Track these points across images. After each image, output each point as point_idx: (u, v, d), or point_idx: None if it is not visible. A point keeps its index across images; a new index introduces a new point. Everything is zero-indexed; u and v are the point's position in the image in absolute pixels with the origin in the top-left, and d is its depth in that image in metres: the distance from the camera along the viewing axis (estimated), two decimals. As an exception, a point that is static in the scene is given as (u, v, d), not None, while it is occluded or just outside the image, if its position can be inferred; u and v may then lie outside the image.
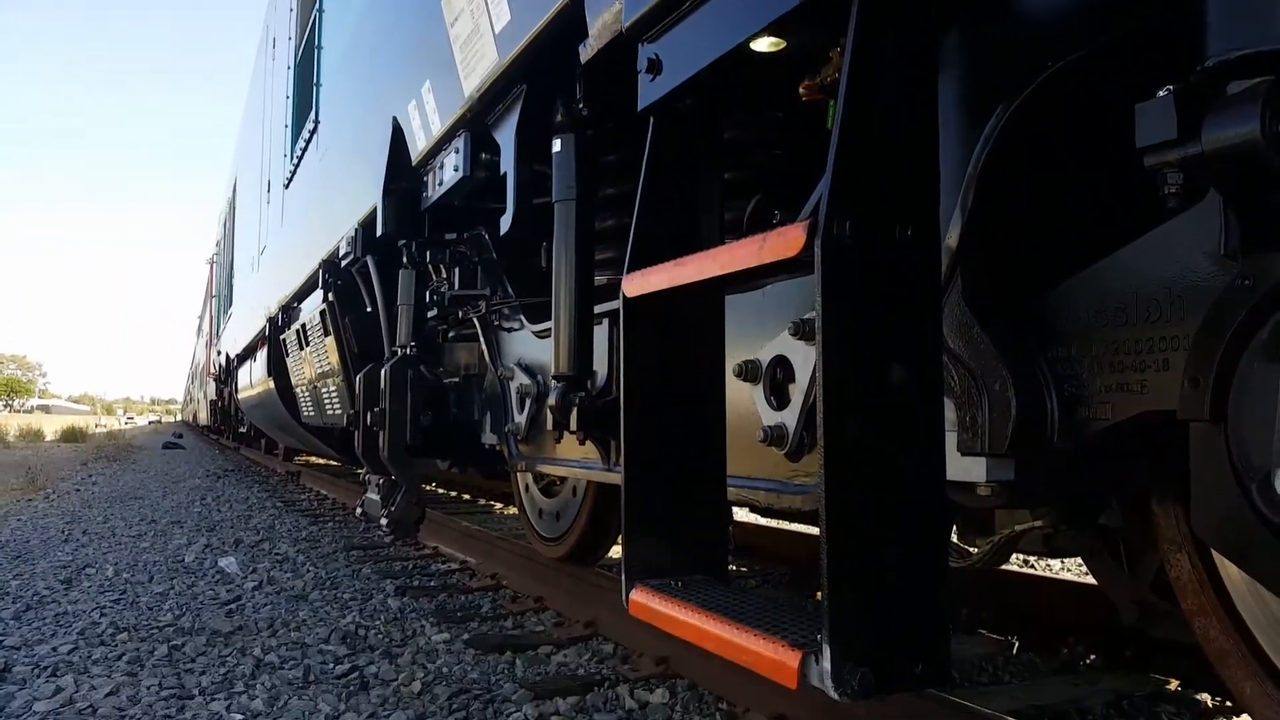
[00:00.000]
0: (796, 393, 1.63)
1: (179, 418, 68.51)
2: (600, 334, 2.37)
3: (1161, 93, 1.01)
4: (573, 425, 2.18)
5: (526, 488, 4.21)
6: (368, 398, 3.52)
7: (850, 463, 0.99)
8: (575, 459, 2.57)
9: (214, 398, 17.03)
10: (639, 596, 1.28)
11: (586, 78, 2.09)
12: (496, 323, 3.19)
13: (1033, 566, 4.43)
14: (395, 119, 3.06)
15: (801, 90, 1.55)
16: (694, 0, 1.34)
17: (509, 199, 2.33)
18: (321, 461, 12.64)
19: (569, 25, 1.90)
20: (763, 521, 5.52)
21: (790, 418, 1.63)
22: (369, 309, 4.28)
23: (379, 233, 3.20)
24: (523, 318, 2.96)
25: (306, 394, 5.88)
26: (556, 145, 2.18)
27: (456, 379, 3.53)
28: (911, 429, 1.05)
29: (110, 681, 2.73)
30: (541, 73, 2.18)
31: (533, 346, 2.93)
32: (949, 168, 1.30)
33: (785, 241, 1.02)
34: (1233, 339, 1.02)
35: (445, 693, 2.62)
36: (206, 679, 2.78)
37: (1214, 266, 1.11)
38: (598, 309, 2.34)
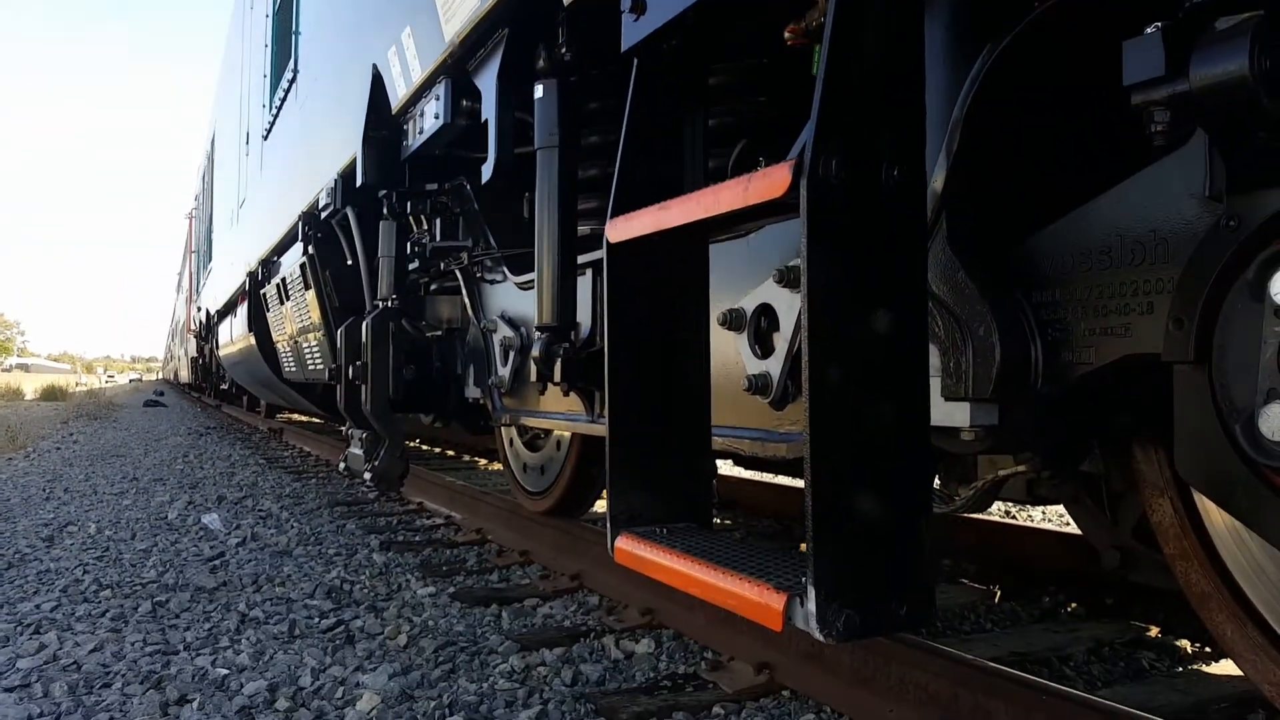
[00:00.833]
0: (780, 341, 1.62)
1: (160, 376, 68.03)
2: (584, 284, 2.35)
3: (1149, 29, 1.00)
4: (557, 376, 2.17)
5: (511, 442, 4.20)
6: (349, 351, 3.49)
7: (834, 406, 0.99)
8: (559, 411, 2.57)
9: (195, 355, 16.90)
10: (624, 544, 1.28)
11: (569, 21, 2.03)
12: (479, 275, 3.16)
13: (1014, 517, 4.49)
14: (375, 66, 2.99)
15: (787, 34, 1.52)
16: (679, -63, 1.30)
17: (490, 146, 2.29)
18: (304, 418, 12.61)
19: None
20: (746, 475, 5.56)
21: (774, 366, 1.63)
22: (349, 261, 4.22)
23: (359, 182, 3.14)
24: (505, 269, 2.93)
25: (288, 349, 5.83)
26: (539, 91, 2.13)
27: (439, 332, 3.50)
28: (896, 373, 1.05)
29: (94, 638, 2.72)
30: (524, 16, 2.12)
31: (516, 298, 2.90)
32: (935, 111, 1.28)
33: (771, 182, 1.00)
34: (1217, 280, 1.02)
35: (431, 645, 2.63)
36: (191, 634, 2.77)
37: (1199, 208, 1.10)
38: (581, 259, 2.31)
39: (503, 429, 4.24)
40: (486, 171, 2.33)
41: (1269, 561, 1.23)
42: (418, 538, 4.38)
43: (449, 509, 4.92)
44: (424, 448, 9.07)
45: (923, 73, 1.09)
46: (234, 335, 8.36)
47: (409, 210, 3.18)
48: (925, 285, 1.08)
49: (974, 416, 1.32)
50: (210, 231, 11.22)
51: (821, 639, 0.99)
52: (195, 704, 2.19)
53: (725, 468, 5.55)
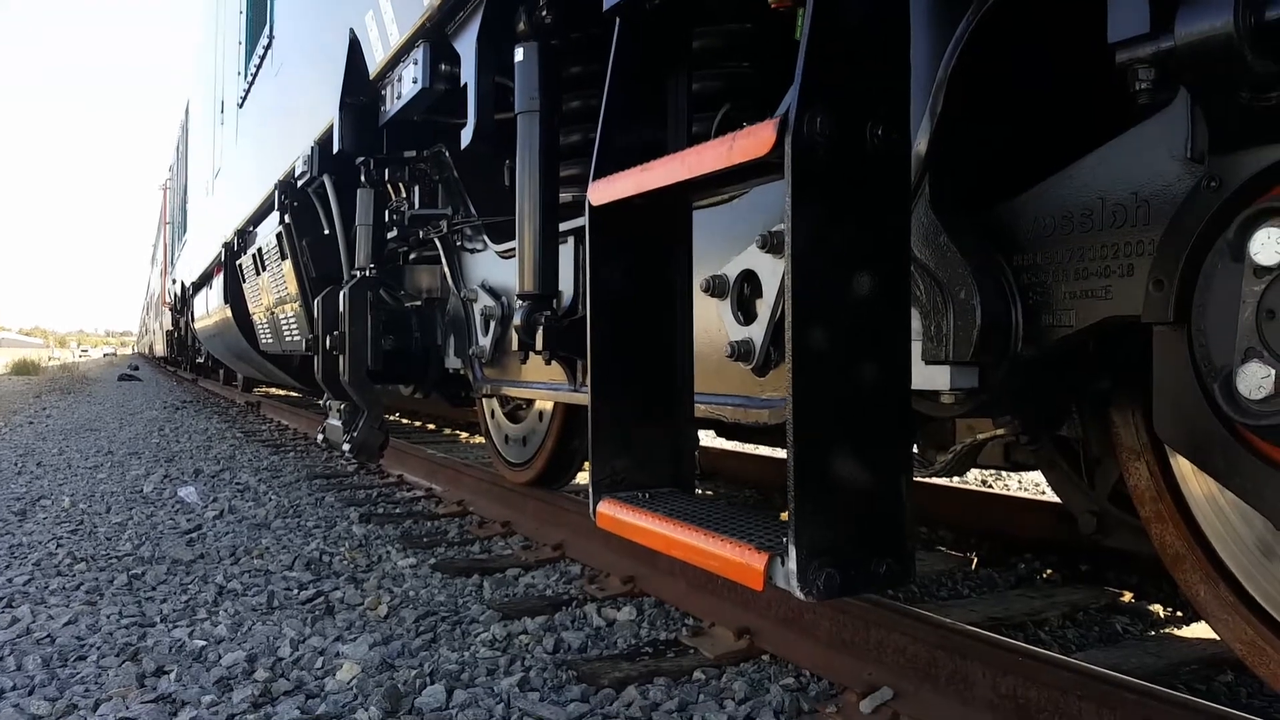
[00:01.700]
0: (764, 307, 1.62)
1: (135, 350, 67.28)
2: (566, 252, 2.33)
3: (1136, -15, 0.99)
4: (538, 345, 2.16)
5: (492, 414, 4.19)
6: (326, 321, 3.45)
7: (817, 367, 0.99)
8: (541, 381, 2.56)
9: (170, 328, 16.72)
10: (606, 509, 1.28)
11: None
12: (459, 243, 3.13)
13: (990, 485, 4.54)
14: (352, 31, 2.93)
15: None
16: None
17: (470, 111, 2.26)
18: (281, 392, 12.52)
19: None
20: (728, 446, 5.58)
21: (757, 332, 1.63)
22: (326, 231, 4.17)
23: (336, 149, 3.09)
24: (486, 238, 2.91)
25: (265, 321, 5.76)
26: (519, 54, 2.10)
27: (418, 302, 3.47)
28: (878, 335, 1.04)
29: (69, 611, 2.70)
30: (504, -23, 2.09)
31: (497, 267, 2.88)
32: (919, 72, 1.27)
33: (755, 140, 0.99)
34: (1198, 241, 1.02)
35: (412, 615, 2.63)
36: (168, 606, 2.75)
37: (1181, 170, 1.10)
38: (563, 226, 2.29)
39: (484, 400, 4.22)
40: (466, 137, 2.30)
41: (1241, 522, 1.25)
42: (398, 510, 4.37)
43: (430, 481, 4.91)
44: (404, 421, 9.04)
45: (908, 32, 1.08)
46: (210, 308, 8.27)
47: (387, 178, 3.14)
48: (909, 247, 1.08)
49: (954, 379, 1.32)
50: (185, 203, 11.05)
51: (802, 597, 1.00)
52: (173, 675, 2.17)
53: (707, 439, 5.57)
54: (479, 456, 6.38)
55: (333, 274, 4.11)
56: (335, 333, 3.25)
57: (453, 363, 3.26)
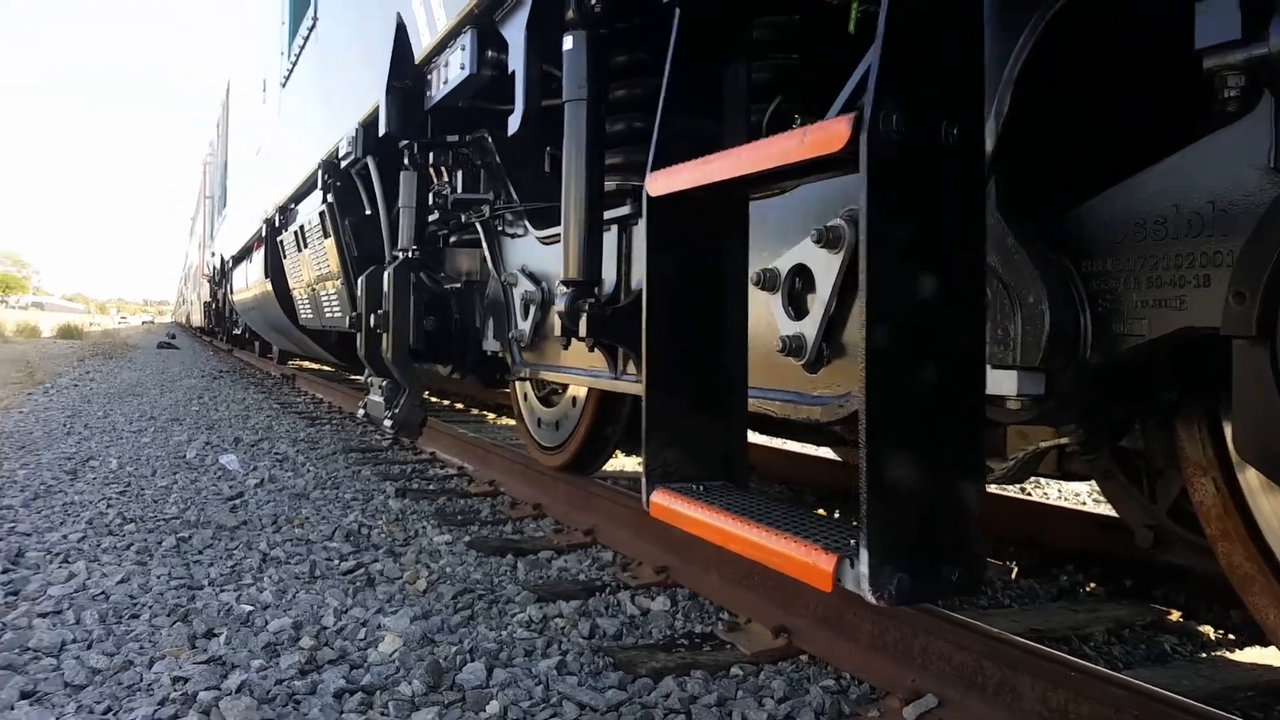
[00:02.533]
0: (816, 303, 1.60)
1: (172, 319, 68.32)
2: (609, 240, 2.32)
3: (1223, -8, 0.96)
4: (582, 331, 2.16)
5: (525, 396, 4.21)
6: (370, 300, 3.48)
7: (891, 369, 0.98)
8: (580, 367, 2.56)
9: (208, 300, 16.95)
10: (660, 499, 1.28)
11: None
12: (500, 228, 3.13)
13: (1029, 494, 4.47)
14: (399, 15, 2.93)
15: None
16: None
17: (517, 98, 2.25)
18: (315, 366, 12.67)
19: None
20: (756, 440, 5.57)
21: (809, 328, 1.61)
22: (368, 211, 4.20)
23: (381, 132, 3.10)
24: (527, 223, 2.91)
25: (305, 296, 5.82)
26: (568, 43, 2.09)
27: (458, 284, 3.49)
28: (951, 336, 1.03)
29: (120, 569, 2.77)
30: (555, -35, 2.08)
31: (538, 252, 2.88)
32: (987, 71, 1.24)
33: (828, 136, 0.98)
34: (1283, 253, 0.99)
35: (450, 591, 2.66)
36: (215, 570, 2.82)
37: (1263, 179, 1.07)
38: (607, 214, 2.29)
39: (517, 383, 4.24)
40: (513, 123, 2.29)
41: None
42: (432, 486, 4.41)
43: (461, 460, 4.95)
44: (434, 400, 9.12)
45: (982, 30, 1.06)
46: (249, 281, 8.36)
47: (431, 161, 3.14)
48: (984, 247, 1.06)
49: (1021, 385, 1.30)
50: (226, 178, 11.17)
51: (874, 601, 0.99)
52: (222, 638, 2.22)
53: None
54: (507, 437, 6.42)
55: (373, 253, 4.14)
56: (379, 312, 3.27)
57: (491, 345, 3.27)
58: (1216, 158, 1.14)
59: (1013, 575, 3.02)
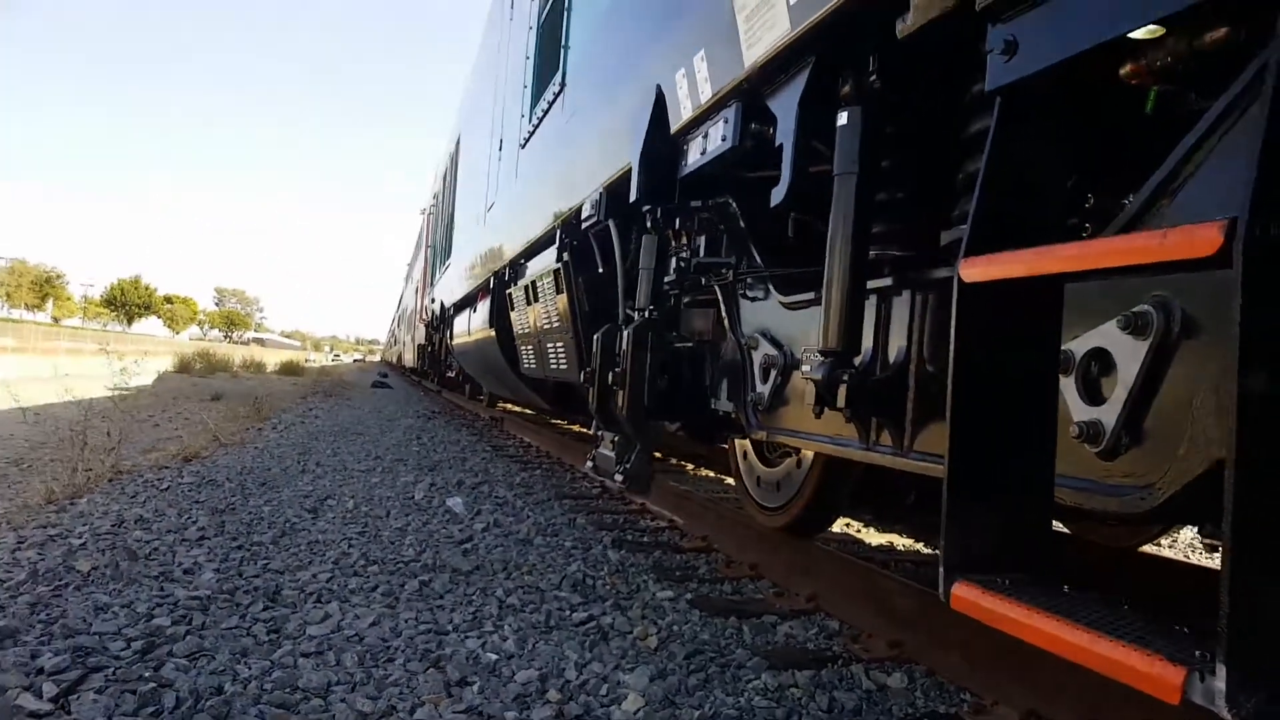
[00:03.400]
0: (1118, 388, 1.55)
1: (381, 358, 73.92)
2: (867, 310, 2.33)
3: None
4: (840, 402, 2.17)
5: (744, 455, 4.24)
6: (605, 357, 3.64)
7: (1262, 476, 0.93)
8: (825, 434, 2.56)
9: (423, 342, 18.16)
10: (964, 592, 1.26)
11: (885, 51, 2.03)
12: (740, 291, 3.21)
13: None
14: (659, 87, 3.10)
15: (1127, 70, 1.44)
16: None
17: (785, 171, 2.32)
18: (518, 409, 13.24)
19: (876, -5, 1.86)
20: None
21: (1108, 414, 1.56)
22: (601, 270, 4.42)
23: (632, 198, 3.26)
24: (771, 287, 2.96)
25: (529, 347, 6.15)
26: (843, 119, 2.14)
27: (690, 344, 3.58)
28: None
29: (371, 611, 2.88)
30: (834, 44, 2.14)
31: (780, 317, 2.92)
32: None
33: (1196, 239, 0.96)
34: None
35: (681, 651, 2.70)
36: (458, 616, 2.91)
37: None
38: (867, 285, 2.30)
39: (736, 442, 4.28)
40: (777, 195, 2.36)
41: None
42: (645, 538, 4.49)
43: (672, 513, 5.02)
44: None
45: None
46: (471, 328, 8.92)
47: (677, 226, 3.27)
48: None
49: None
50: (450, 229, 12.01)
51: (1228, 719, 0.94)
52: (475, 687, 2.31)
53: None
54: (710, 489, 6.47)
55: (603, 310, 4.34)
56: (616, 369, 3.42)
57: (723, 405, 3.33)
58: None
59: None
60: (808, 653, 2.78)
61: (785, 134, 2.32)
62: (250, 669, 2.33)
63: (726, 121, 2.62)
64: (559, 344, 5.19)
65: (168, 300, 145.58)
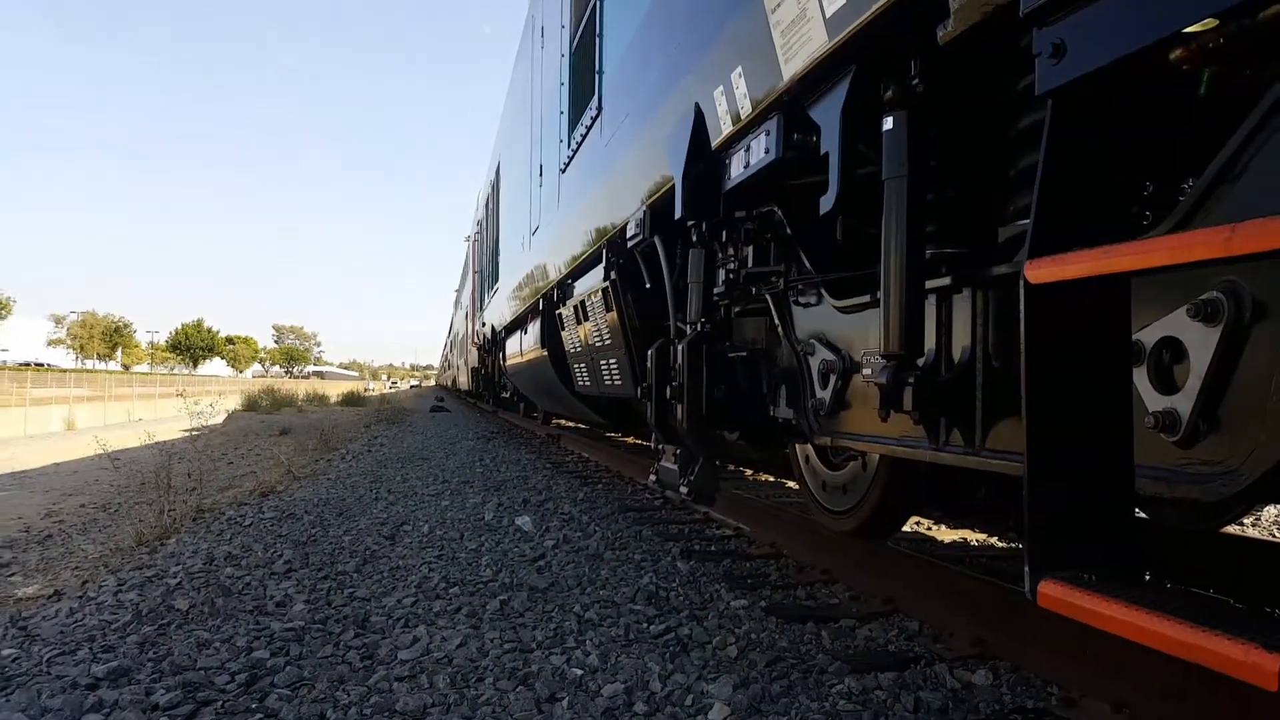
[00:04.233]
0: (1191, 377, 1.55)
1: (436, 383, 75.06)
2: (928, 310, 2.34)
3: None
4: (907, 405, 2.18)
5: (807, 459, 4.25)
6: (660, 371, 3.68)
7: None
8: (893, 436, 2.57)
9: (476, 365, 18.43)
10: (1051, 590, 1.28)
11: (927, 54, 2.05)
12: (792, 298, 3.23)
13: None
14: (697, 105, 3.15)
15: (1178, 55, 1.44)
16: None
17: (832, 180, 2.34)
18: (572, 424, 13.36)
19: (914, 1, 1.88)
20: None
21: (1183, 403, 1.56)
22: (649, 286, 4.47)
23: (677, 214, 3.31)
24: (824, 292, 2.98)
25: (582, 365, 6.23)
26: (888, 123, 2.16)
27: (744, 353, 3.61)
28: None
29: (457, 633, 2.95)
30: (873, 51, 2.16)
31: (836, 321, 2.94)
32: None
33: (1266, 233, 0.97)
34: None
35: (762, 659, 2.72)
36: (540, 633, 2.97)
37: None
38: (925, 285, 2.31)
39: (798, 446, 4.29)
40: (826, 204, 2.39)
41: None
42: (713, 548, 4.51)
43: (737, 520, 5.04)
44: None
45: None
46: (523, 349, 9.05)
47: (723, 238, 3.31)
48: None
49: None
50: (496, 255, 12.20)
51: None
52: (564, 703, 2.36)
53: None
54: (771, 493, 6.46)
55: (653, 325, 4.39)
56: (673, 383, 3.46)
57: (783, 412, 3.35)
58: None
59: None
60: (889, 654, 2.78)
61: (830, 142, 2.34)
62: (349, 695, 2.42)
63: (769, 134, 2.65)
64: (611, 360, 5.25)
65: (230, 341, 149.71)
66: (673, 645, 2.90)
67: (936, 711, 2.35)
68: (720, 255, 3.53)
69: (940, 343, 2.32)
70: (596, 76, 4.93)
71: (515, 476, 7.62)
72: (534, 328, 7.97)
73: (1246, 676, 1.01)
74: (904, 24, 1.95)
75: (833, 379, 2.93)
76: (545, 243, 7.14)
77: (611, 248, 4.78)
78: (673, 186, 3.39)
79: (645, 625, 3.12)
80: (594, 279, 5.37)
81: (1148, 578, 3.38)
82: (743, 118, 2.81)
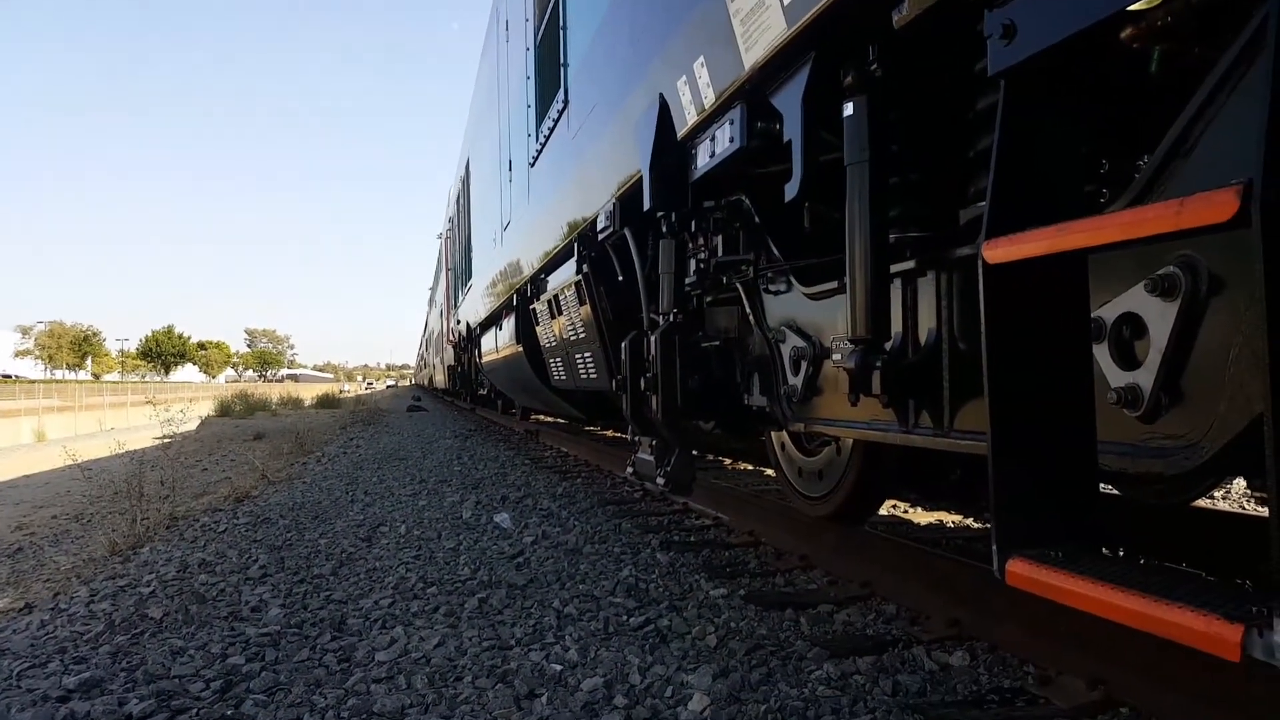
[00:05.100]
0: (1152, 351, 1.56)
1: (412, 382, 74.66)
2: (893, 294, 2.35)
3: None
4: (875, 389, 2.19)
5: (783, 446, 4.26)
6: (634, 363, 3.67)
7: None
8: (864, 421, 2.58)
9: (452, 363, 18.33)
10: (1019, 568, 1.28)
11: (884, 39, 2.05)
12: (761, 286, 3.23)
13: None
14: (661, 96, 3.14)
15: (1128, 34, 1.45)
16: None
17: (796, 166, 2.35)
18: (551, 419, 13.32)
19: (870, -14, 1.88)
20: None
21: (1144, 378, 1.57)
22: (621, 278, 4.46)
23: (645, 206, 3.30)
24: (793, 279, 2.98)
25: (557, 359, 6.21)
26: (848, 109, 2.16)
27: (716, 343, 3.61)
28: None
29: (435, 633, 2.92)
30: (833, 38, 2.16)
31: (805, 308, 2.95)
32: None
33: (1213, 205, 0.98)
34: None
35: (741, 648, 2.72)
36: (519, 630, 2.95)
37: None
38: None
39: (773, 434, 4.30)
40: (791, 190, 2.39)
41: None
42: (693, 538, 4.52)
43: (716, 510, 5.05)
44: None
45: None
46: (499, 345, 9.00)
47: (693, 228, 3.30)
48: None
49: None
50: (469, 251, 12.12)
51: (1288, 674, 0.96)
52: (544, 698, 2.35)
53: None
54: (749, 482, 6.48)
55: (627, 317, 4.37)
56: (647, 375, 3.46)
57: (757, 400, 3.35)
58: None
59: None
60: (867, 638, 2.80)
61: (793, 129, 2.35)
62: (326, 698, 2.39)
63: (733, 123, 2.65)
64: (586, 354, 5.24)
65: (201, 346, 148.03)
66: (652, 637, 2.89)
67: (915, 694, 2.36)
68: (690, 245, 3.53)
69: (906, 326, 2.33)
70: (562, 69, 4.90)
71: (493, 474, 7.58)
72: (508, 323, 7.93)
73: (1209, 647, 1.02)
74: (860, 9, 1.95)
75: (804, 365, 2.94)
76: (517, 238, 7.11)
77: (583, 241, 4.76)
78: (641, 178, 3.38)
79: (625, 618, 3.11)
80: (566, 273, 5.35)
81: (1121, 553, 3.43)
82: (707, 107, 2.81)
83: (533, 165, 6.05)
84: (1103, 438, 1.63)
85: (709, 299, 3.73)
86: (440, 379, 24.92)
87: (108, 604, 3.47)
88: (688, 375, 3.44)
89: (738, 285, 3.34)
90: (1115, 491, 4.03)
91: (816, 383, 2.89)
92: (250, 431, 16.67)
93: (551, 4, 5.27)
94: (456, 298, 15.27)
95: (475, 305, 11.23)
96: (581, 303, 4.94)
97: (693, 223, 3.34)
